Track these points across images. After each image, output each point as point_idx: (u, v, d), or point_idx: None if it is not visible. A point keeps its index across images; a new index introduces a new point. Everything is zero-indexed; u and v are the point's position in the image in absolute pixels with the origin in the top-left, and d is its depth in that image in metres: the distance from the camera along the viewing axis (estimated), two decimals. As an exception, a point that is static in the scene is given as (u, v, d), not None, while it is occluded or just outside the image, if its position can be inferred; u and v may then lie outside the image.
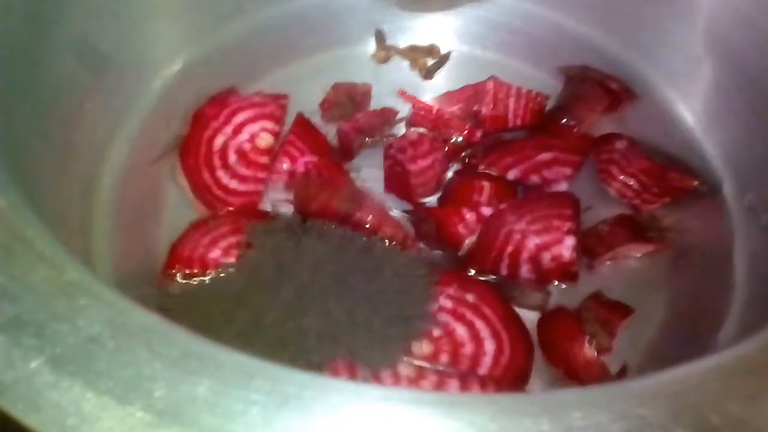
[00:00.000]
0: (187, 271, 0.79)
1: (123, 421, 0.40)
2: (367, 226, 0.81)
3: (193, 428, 0.40)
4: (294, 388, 0.42)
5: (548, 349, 0.77)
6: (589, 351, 0.76)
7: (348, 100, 0.95)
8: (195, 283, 0.77)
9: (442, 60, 1.02)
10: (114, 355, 0.43)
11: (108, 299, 0.46)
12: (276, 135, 0.92)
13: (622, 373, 0.76)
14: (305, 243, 0.79)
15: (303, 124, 0.93)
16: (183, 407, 0.41)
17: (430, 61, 1.02)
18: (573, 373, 0.76)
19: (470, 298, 0.78)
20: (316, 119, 0.95)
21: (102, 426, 0.40)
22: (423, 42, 1.03)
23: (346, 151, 0.92)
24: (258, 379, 0.42)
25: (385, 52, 1.02)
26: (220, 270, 0.79)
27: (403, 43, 1.03)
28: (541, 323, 0.79)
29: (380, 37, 1.02)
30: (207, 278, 0.77)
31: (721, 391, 0.43)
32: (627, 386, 0.44)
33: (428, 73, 1.01)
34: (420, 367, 0.72)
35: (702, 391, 0.43)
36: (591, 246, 0.84)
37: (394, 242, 0.81)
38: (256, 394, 0.41)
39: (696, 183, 0.87)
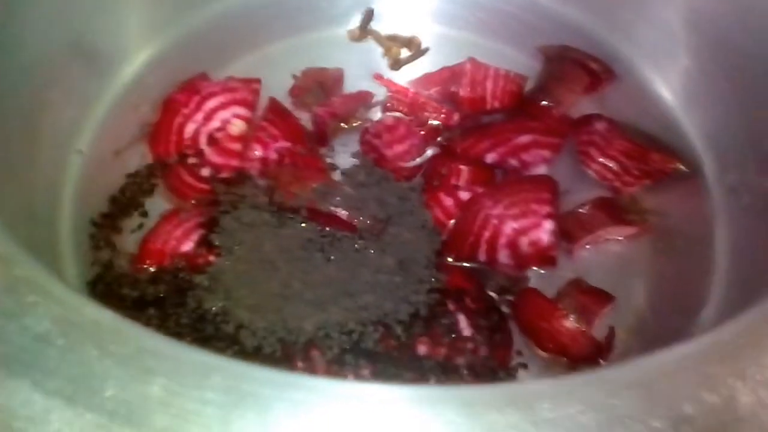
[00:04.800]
0: (158, 265, 0.77)
1: (72, 423, 0.39)
2: (342, 216, 0.80)
3: (145, 429, 0.38)
4: (252, 386, 0.40)
5: (533, 335, 0.76)
6: (569, 323, 0.75)
7: (317, 85, 0.93)
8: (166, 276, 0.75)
9: (417, 54, 0.99)
10: (63, 353, 0.41)
11: (59, 295, 0.44)
12: (248, 121, 0.89)
13: (610, 337, 0.75)
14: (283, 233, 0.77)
15: (276, 109, 0.90)
16: (135, 407, 0.39)
17: (405, 53, 0.99)
18: (562, 350, 0.74)
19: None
20: (288, 105, 0.92)
21: (50, 428, 0.39)
22: (396, 23, 1.00)
23: (320, 136, 0.90)
24: (215, 377, 0.41)
25: (363, 32, 0.99)
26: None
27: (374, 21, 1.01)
28: (514, 311, 0.77)
29: (368, 16, 0.99)
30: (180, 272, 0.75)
31: (695, 380, 0.41)
32: (599, 376, 0.43)
33: (396, 63, 0.98)
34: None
35: (676, 380, 0.41)
36: (570, 230, 0.82)
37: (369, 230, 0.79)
38: (212, 393, 0.40)
39: (677, 164, 0.85)
